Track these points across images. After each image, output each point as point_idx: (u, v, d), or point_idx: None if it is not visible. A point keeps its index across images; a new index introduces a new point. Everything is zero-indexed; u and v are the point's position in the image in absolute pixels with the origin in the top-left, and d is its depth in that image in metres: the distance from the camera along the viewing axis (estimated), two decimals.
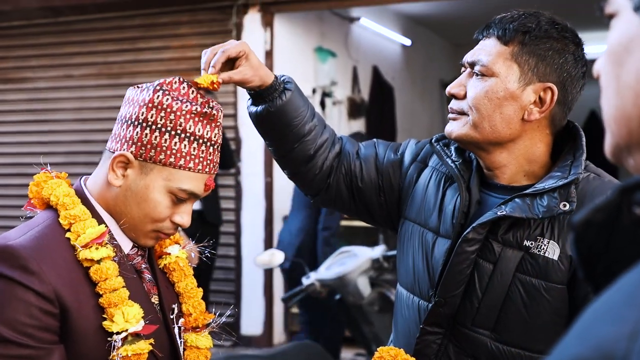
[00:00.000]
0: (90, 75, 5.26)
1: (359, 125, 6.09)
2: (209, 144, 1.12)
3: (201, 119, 1.11)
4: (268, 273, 4.77)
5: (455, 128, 1.25)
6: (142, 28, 5.11)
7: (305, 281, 2.90)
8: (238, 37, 4.84)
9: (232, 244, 4.90)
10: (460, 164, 1.29)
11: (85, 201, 1.12)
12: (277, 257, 3.06)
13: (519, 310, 1.19)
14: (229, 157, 4.40)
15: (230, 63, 1.24)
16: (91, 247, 1.06)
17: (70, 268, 1.05)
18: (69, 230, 1.08)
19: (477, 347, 1.22)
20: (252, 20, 4.85)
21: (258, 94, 1.31)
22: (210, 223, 4.27)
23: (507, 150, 1.23)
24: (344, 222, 5.11)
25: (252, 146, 4.85)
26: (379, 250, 2.89)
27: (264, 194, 4.85)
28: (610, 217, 0.48)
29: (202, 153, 1.11)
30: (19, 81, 5.46)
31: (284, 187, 4.94)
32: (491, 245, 1.20)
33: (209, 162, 1.13)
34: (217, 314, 1.24)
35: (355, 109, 5.90)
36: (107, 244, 1.08)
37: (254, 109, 1.34)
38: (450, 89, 1.26)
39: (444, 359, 1.25)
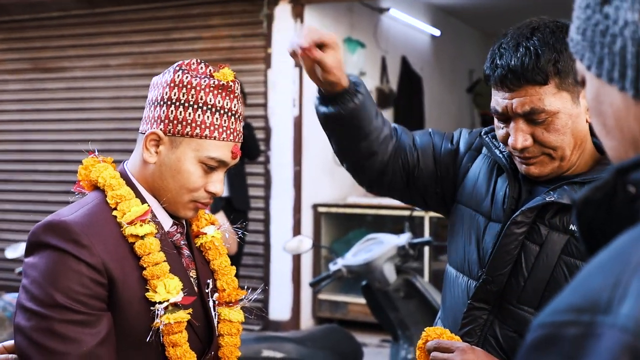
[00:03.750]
0: (125, 65, 5.39)
1: (387, 115, 6.12)
2: (230, 114, 1.20)
3: (220, 91, 1.19)
4: (296, 259, 4.86)
5: (540, 170, 1.27)
6: (175, 19, 5.22)
7: (333, 267, 2.96)
8: (269, 29, 4.92)
9: (261, 231, 5.00)
10: (508, 154, 1.33)
11: (129, 183, 1.21)
12: (305, 243, 3.14)
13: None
14: (254, 147, 4.45)
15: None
16: (136, 224, 1.15)
17: (117, 243, 1.14)
18: (115, 208, 1.17)
19: (521, 323, 1.27)
20: (283, 11, 4.92)
21: (331, 96, 1.34)
22: (238, 210, 4.37)
23: (578, 153, 1.27)
24: (371, 211, 5.17)
25: (282, 135, 4.93)
26: (404, 238, 2.93)
27: (292, 182, 4.93)
28: (607, 195, 0.54)
29: (225, 122, 1.20)
30: (57, 70, 5.61)
31: (312, 175, 5.02)
32: (538, 228, 1.25)
33: (232, 130, 1.21)
34: (248, 293, 1.31)
35: (383, 99, 5.94)
36: (150, 221, 1.17)
37: (324, 109, 1.37)
38: (519, 144, 1.24)
39: (490, 334, 1.30)
